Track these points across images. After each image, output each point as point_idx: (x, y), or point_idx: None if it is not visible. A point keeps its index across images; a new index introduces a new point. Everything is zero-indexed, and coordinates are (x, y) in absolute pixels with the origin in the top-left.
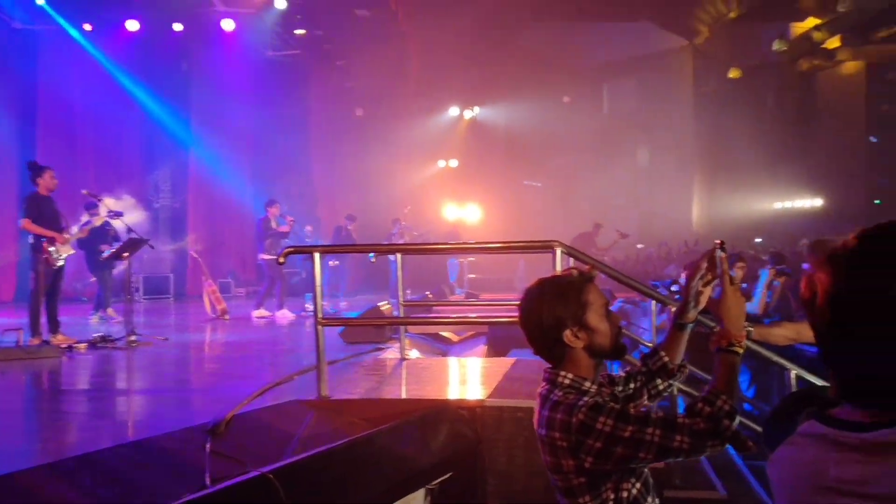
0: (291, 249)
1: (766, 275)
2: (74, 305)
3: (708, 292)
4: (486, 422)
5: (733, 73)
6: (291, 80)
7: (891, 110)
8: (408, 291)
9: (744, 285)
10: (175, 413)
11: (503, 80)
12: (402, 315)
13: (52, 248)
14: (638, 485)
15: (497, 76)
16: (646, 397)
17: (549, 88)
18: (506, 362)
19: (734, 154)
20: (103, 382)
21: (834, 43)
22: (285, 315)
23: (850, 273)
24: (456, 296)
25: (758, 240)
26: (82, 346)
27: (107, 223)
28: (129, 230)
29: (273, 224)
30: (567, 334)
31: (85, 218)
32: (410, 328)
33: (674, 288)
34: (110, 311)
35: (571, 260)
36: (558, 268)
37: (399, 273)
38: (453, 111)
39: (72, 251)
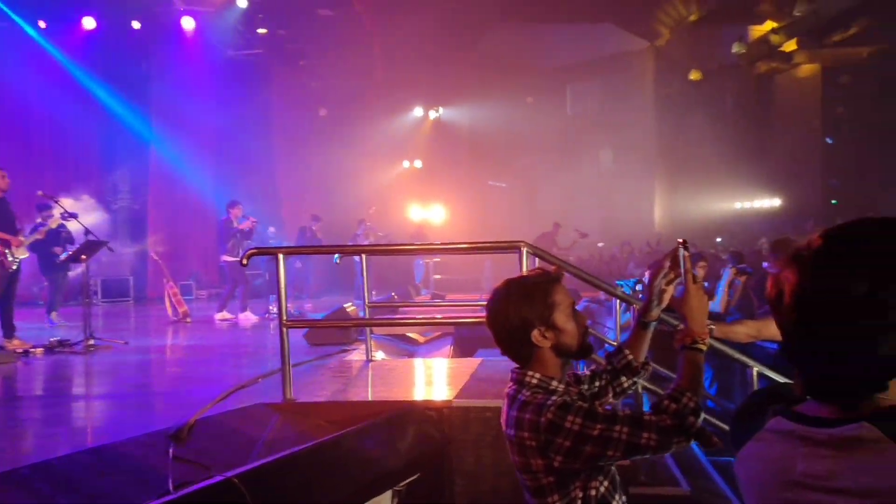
0: (255, 251)
1: (727, 274)
2: (30, 309)
3: (671, 291)
4: (453, 422)
5: (694, 75)
6: (254, 80)
7: (845, 113)
8: (373, 293)
9: (706, 284)
10: (136, 418)
11: (467, 81)
12: (367, 316)
13: (6, 252)
14: (606, 483)
15: (461, 77)
16: (611, 395)
17: (513, 89)
18: (472, 363)
19: (695, 155)
20: (60, 388)
21: (791, 46)
22: (248, 317)
23: (814, 273)
24: (422, 297)
25: (718, 239)
26: (38, 350)
27: (61, 225)
28: (87, 232)
29: (235, 225)
30: (535, 334)
31: (39, 220)
32: (376, 329)
33: (638, 287)
34: (54, 315)
35: (537, 260)
36: (524, 268)
37: (364, 274)
38: (417, 111)
39: (26, 254)
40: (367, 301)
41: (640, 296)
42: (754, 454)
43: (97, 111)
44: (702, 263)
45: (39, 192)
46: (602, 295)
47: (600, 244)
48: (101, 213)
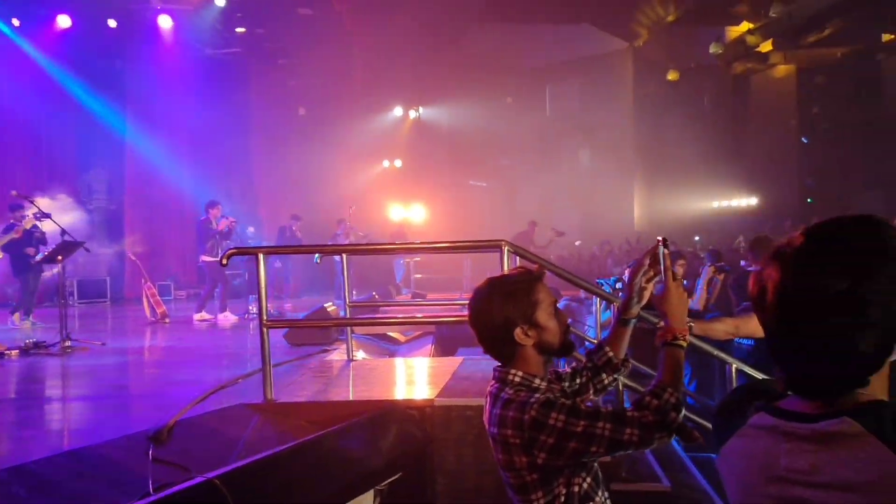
0: (235, 251)
1: (705, 272)
2: (4, 311)
3: (651, 288)
4: (435, 421)
5: (672, 76)
6: (232, 79)
7: (820, 112)
8: (353, 292)
9: (685, 282)
10: (114, 420)
11: (447, 81)
12: (348, 316)
13: None
14: (589, 479)
15: (441, 77)
16: (592, 392)
17: (493, 89)
18: (454, 361)
19: (673, 154)
20: (36, 390)
21: (767, 47)
22: (228, 318)
23: (795, 270)
24: (402, 296)
25: (696, 238)
26: (13, 352)
27: (34, 226)
28: (64, 232)
29: (214, 225)
30: (517, 332)
31: (11, 220)
32: (357, 329)
33: (618, 285)
34: (16, 316)
35: (518, 259)
36: (505, 267)
37: (345, 273)
38: (397, 111)
39: (0, 255)
40: (347, 301)
41: (621, 294)
42: (737, 450)
43: (73, 110)
44: (681, 262)
45: (13, 192)
46: (582, 293)
47: (577, 243)
48: (77, 212)
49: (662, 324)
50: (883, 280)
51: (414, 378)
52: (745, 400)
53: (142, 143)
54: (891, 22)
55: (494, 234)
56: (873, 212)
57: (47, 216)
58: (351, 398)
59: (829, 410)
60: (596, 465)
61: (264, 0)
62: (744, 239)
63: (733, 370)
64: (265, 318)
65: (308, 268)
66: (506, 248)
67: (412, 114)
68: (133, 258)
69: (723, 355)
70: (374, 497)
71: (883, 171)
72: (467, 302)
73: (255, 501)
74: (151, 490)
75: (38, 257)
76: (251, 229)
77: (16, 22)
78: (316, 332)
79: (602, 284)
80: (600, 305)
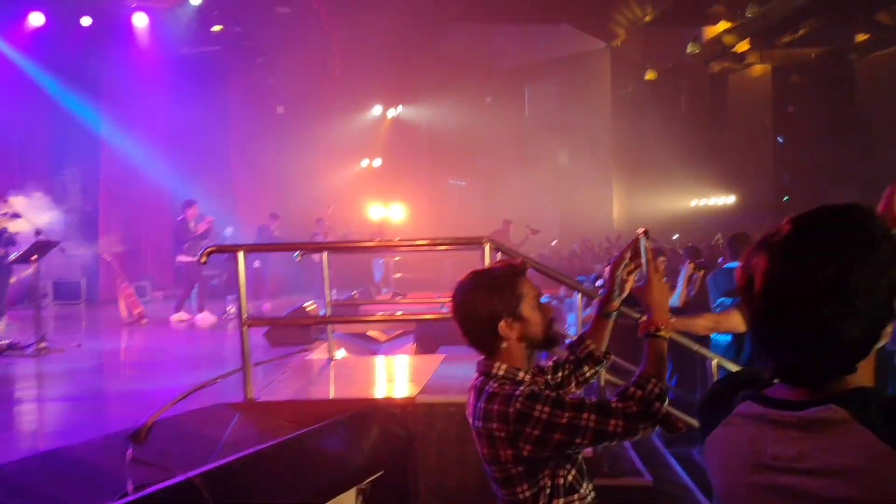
0: (214, 248)
1: (685, 269)
2: None
3: (632, 281)
4: (416, 419)
5: (649, 75)
6: (209, 77)
7: (795, 111)
8: (333, 291)
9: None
10: (91, 421)
11: (426, 80)
12: (329, 315)
13: None
14: (573, 471)
15: (420, 76)
16: (573, 384)
17: (472, 89)
18: (435, 359)
19: (651, 154)
20: (10, 392)
21: (743, 46)
22: (206, 318)
23: (783, 260)
24: (382, 296)
25: (675, 236)
26: None
27: (4, 227)
28: (38, 232)
29: (191, 225)
30: (502, 325)
31: None
32: (338, 328)
33: (598, 283)
34: None
35: (500, 256)
36: (487, 264)
37: (326, 272)
38: (376, 110)
39: None
40: (328, 299)
41: (601, 291)
42: (724, 438)
43: (46, 109)
44: (662, 258)
45: None
46: (562, 291)
47: (553, 243)
48: (50, 212)
49: (645, 317)
50: (869, 269)
51: (395, 376)
52: (729, 390)
53: (118, 142)
54: (863, 23)
55: (474, 232)
56: None
57: (17, 216)
58: (332, 397)
59: (815, 398)
60: (580, 457)
61: None
62: (721, 236)
63: (714, 365)
64: (245, 316)
65: (286, 267)
66: (487, 245)
67: (391, 113)
68: (108, 259)
69: (703, 350)
70: (357, 495)
71: (857, 168)
72: (448, 300)
73: (235, 501)
74: (130, 490)
75: (12, 257)
76: (230, 230)
77: None
78: (296, 331)
79: (583, 281)
80: (582, 301)
